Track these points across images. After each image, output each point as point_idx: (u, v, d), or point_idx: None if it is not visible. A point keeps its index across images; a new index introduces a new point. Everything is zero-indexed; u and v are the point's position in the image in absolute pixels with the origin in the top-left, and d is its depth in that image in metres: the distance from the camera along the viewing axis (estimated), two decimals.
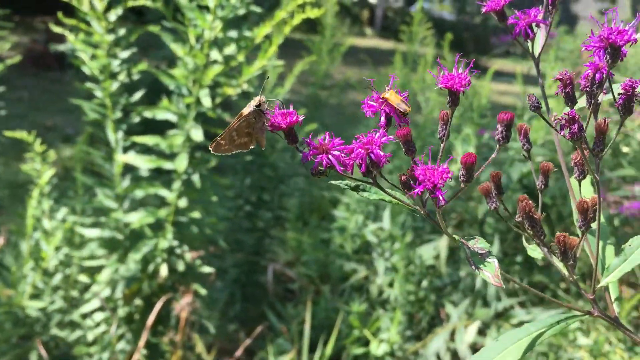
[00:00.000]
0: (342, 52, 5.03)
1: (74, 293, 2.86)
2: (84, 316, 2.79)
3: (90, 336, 2.71)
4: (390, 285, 3.56)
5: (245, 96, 2.59)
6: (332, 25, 5.13)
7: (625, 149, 4.06)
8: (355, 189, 0.88)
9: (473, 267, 0.80)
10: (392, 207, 3.59)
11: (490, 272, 0.79)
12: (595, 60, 0.81)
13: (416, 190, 0.81)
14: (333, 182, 0.89)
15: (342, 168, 0.85)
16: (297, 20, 2.16)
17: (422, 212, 0.85)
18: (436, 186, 0.80)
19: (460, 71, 0.90)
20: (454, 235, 0.85)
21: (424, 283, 3.48)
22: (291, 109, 0.94)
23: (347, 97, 7.67)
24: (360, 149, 0.84)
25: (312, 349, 3.32)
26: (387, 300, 3.56)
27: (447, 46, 3.85)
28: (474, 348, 3.33)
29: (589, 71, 0.80)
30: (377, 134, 0.86)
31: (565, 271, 0.84)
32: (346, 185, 0.88)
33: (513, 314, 3.15)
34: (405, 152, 0.88)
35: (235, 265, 3.82)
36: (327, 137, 0.87)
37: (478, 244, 0.83)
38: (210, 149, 1.04)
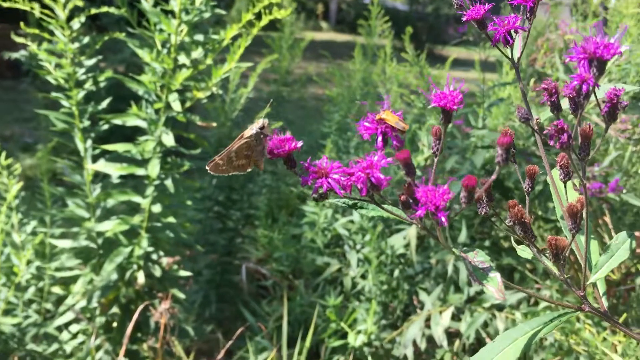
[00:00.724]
0: (303, 47, 5.05)
1: (48, 306, 2.82)
2: (60, 329, 2.75)
3: (68, 348, 2.68)
4: (364, 276, 3.61)
5: (213, 98, 2.58)
6: (290, 21, 5.14)
7: None
8: (354, 206, 0.90)
9: (476, 282, 0.82)
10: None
11: (494, 287, 0.81)
12: (581, 72, 0.85)
13: (419, 213, 0.82)
14: (331, 200, 0.90)
15: (342, 191, 0.87)
16: (264, 21, 2.18)
17: (420, 227, 0.88)
18: (438, 208, 0.82)
19: (451, 88, 0.92)
20: (454, 249, 0.88)
21: (396, 272, 3.54)
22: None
23: (307, 91, 7.69)
24: (360, 173, 0.85)
25: (290, 345, 3.35)
26: (361, 291, 3.62)
27: (407, 39, 3.90)
28: (449, 332, 3.42)
29: (575, 82, 0.84)
30: (376, 157, 0.87)
31: (555, 270, 0.88)
32: (344, 203, 0.90)
33: (485, 298, 3.23)
34: (405, 174, 0.89)
35: (208, 267, 3.82)
36: (326, 160, 0.89)
37: (478, 257, 0.85)
38: (207, 168, 1.03)
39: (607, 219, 3.80)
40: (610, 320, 0.91)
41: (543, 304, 3.19)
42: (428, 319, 3.33)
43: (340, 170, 0.87)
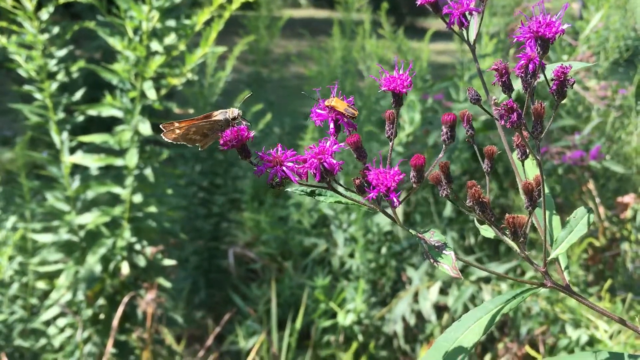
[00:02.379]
0: (280, 26, 4.99)
1: (34, 301, 2.80)
2: (47, 323, 2.74)
3: (56, 343, 2.67)
4: (351, 255, 3.62)
5: (190, 84, 2.55)
6: (266, 0, 5.07)
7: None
8: (312, 194, 0.91)
9: (432, 260, 0.83)
10: (347, 179, 3.63)
11: (448, 264, 0.82)
12: (527, 51, 0.85)
13: (371, 195, 0.84)
14: (289, 189, 0.90)
15: (297, 179, 0.87)
16: (236, 4, 2.14)
17: (378, 210, 0.88)
18: (390, 189, 0.83)
19: (400, 72, 0.93)
20: (410, 230, 0.88)
21: (384, 250, 3.55)
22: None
23: (288, 70, 7.62)
24: (313, 159, 0.86)
25: (281, 327, 3.36)
26: (349, 270, 3.62)
27: (384, 16, 3.86)
28: (437, 306, 3.44)
29: (523, 61, 0.85)
30: (328, 143, 0.88)
31: (517, 247, 0.88)
32: (302, 192, 0.90)
33: (471, 271, 3.26)
34: (356, 158, 0.91)
35: (195, 253, 3.80)
36: (280, 149, 0.89)
37: (434, 237, 0.86)
38: (161, 127, 1.03)
39: (591, 185, 3.82)
40: (573, 294, 0.92)
41: (529, 274, 3.22)
42: (416, 294, 3.35)
43: (294, 157, 0.88)
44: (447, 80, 3.81)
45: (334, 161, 0.86)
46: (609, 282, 3.02)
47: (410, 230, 0.88)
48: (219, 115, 1.01)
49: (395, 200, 0.83)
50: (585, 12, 4.17)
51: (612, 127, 4.16)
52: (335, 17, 4.92)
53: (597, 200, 3.72)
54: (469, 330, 0.87)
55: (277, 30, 4.99)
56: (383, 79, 0.93)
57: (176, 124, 1.02)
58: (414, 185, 0.88)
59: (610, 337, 2.71)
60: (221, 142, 0.92)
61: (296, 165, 0.87)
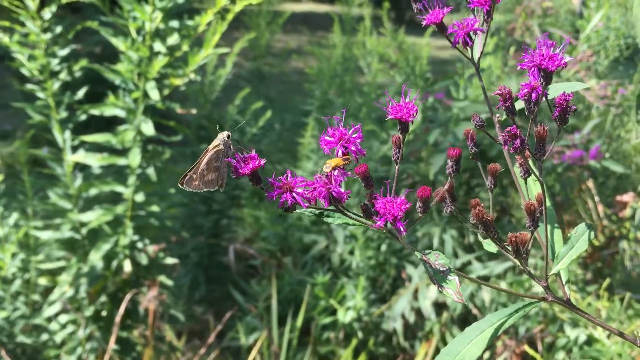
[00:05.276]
0: (281, 23, 4.99)
1: (36, 297, 2.81)
2: (49, 319, 2.76)
3: (58, 339, 2.69)
4: (351, 252, 3.63)
5: (191, 82, 2.56)
6: None
7: None
8: (320, 215, 0.92)
9: (436, 286, 0.84)
10: (347, 177, 3.63)
11: (452, 289, 0.83)
12: (530, 80, 0.86)
13: (379, 223, 0.86)
14: (299, 211, 0.92)
15: (307, 205, 0.89)
16: (239, 6, 2.14)
17: (384, 231, 0.90)
18: (397, 218, 0.85)
19: (407, 100, 0.94)
20: (416, 253, 0.89)
21: (384, 247, 3.57)
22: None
23: (289, 65, 7.61)
24: (322, 188, 0.87)
25: (281, 323, 3.38)
26: (349, 267, 3.64)
27: (385, 14, 3.86)
28: (437, 304, 3.46)
29: (526, 90, 0.86)
30: (336, 171, 0.89)
31: (518, 263, 0.90)
32: (311, 213, 0.91)
33: (471, 269, 3.28)
34: (364, 186, 0.92)
35: (196, 249, 3.82)
36: (289, 175, 0.91)
37: (439, 260, 0.87)
38: (180, 185, 1.07)
39: (590, 184, 3.84)
40: (574, 309, 0.94)
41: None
42: (416, 292, 3.37)
43: (304, 184, 0.90)
44: (447, 78, 3.81)
45: (342, 190, 0.88)
46: (607, 280, 3.05)
47: (416, 253, 0.89)
48: (217, 144, 1.05)
49: (402, 229, 0.85)
50: (586, 11, 4.17)
51: (612, 124, 4.17)
52: (336, 12, 4.91)
53: (596, 198, 3.74)
54: (471, 344, 0.89)
55: (277, 27, 4.99)
56: (390, 107, 0.94)
57: (189, 173, 1.07)
58: (420, 214, 0.90)
59: (609, 336, 2.73)
60: (232, 170, 0.94)
61: (305, 191, 0.89)
